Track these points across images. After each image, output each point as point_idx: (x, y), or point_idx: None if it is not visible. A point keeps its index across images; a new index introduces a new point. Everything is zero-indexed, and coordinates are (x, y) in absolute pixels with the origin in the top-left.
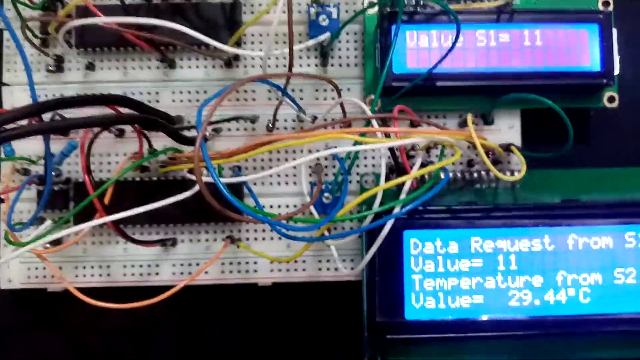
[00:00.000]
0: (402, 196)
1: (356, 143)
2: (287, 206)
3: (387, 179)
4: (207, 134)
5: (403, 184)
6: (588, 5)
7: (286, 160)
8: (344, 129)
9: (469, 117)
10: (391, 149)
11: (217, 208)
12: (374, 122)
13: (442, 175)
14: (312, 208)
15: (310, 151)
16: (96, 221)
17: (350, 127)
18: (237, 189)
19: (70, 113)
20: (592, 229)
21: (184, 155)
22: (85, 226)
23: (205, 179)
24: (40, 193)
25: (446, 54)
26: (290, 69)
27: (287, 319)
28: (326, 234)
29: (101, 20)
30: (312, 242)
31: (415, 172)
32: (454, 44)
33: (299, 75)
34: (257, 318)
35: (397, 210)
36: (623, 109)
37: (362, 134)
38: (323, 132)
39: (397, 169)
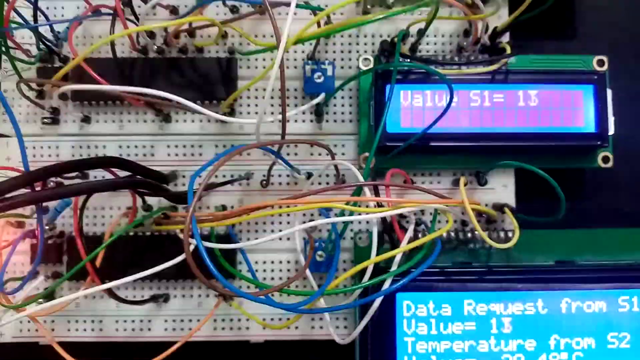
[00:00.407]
0: (394, 268)
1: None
2: (281, 262)
3: (381, 238)
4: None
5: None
6: (583, 64)
7: (280, 223)
8: (335, 198)
9: (462, 182)
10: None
11: (205, 283)
12: (367, 190)
13: (434, 245)
14: (303, 261)
15: (304, 214)
16: (88, 290)
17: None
18: (231, 250)
19: None
20: (586, 294)
21: (178, 214)
22: (77, 295)
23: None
24: (34, 247)
25: (440, 116)
26: (283, 137)
27: None
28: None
29: (95, 87)
30: (303, 313)
31: (406, 245)
32: (447, 107)
33: (295, 141)
34: None
35: (387, 284)
36: (618, 169)
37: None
38: (315, 200)
39: (389, 235)
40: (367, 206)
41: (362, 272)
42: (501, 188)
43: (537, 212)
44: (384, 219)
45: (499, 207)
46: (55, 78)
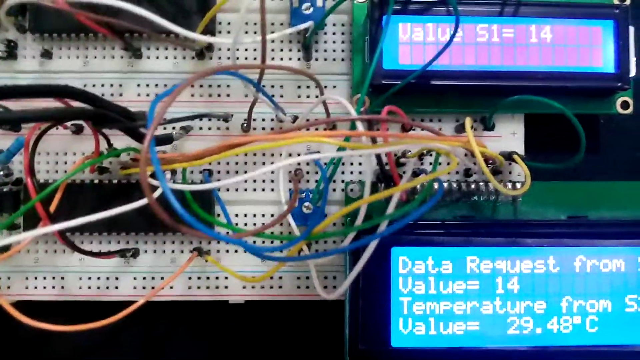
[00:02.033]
0: (390, 211)
1: (340, 148)
2: (263, 215)
3: (375, 188)
4: (174, 132)
5: (391, 196)
6: None
7: (263, 164)
8: (325, 132)
9: (467, 122)
10: (378, 156)
11: (167, 222)
12: (360, 124)
13: (436, 187)
14: (290, 219)
15: (290, 155)
16: (37, 231)
17: (334, 129)
18: (206, 197)
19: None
20: (602, 250)
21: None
22: (27, 236)
23: (173, 185)
24: None
25: (443, 49)
26: (263, 60)
27: (261, 340)
28: (305, 249)
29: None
30: (285, 262)
31: (405, 183)
32: (452, 37)
33: (274, 67)
34: (227, 339)
35: (383, 227)
36: (638, 116)
37: (347, 138)
38: (302, 134)
39: (384, 178)
40: None
41: (354, 220)
42: (509, 135)
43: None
44: (379, 164)
45: (507, 156)
46: None
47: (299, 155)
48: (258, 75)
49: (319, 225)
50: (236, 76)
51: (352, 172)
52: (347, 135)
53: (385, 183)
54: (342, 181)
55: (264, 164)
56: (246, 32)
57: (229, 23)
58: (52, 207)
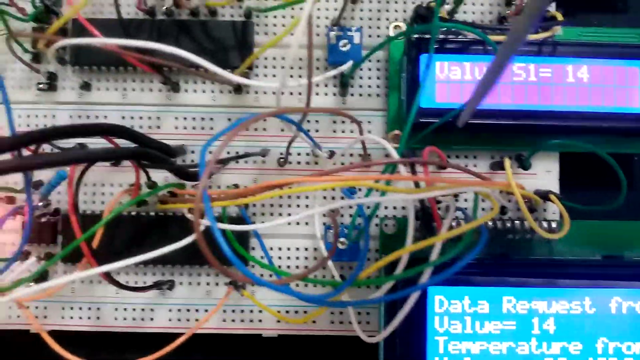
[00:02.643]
0: (432, 258)
1: (382, 192)
2: (297, 249)
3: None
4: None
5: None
6: (638, 38)
7: (298, 197)
8: (368, 176)
9: (507, 164)
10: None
11: (217, 268)
12: (402, 168)
13: (478, 233)
14: (325, 253)
15: (325, 197)
16: (82, 273)
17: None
18: (244, 231)
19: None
20: (638, 292)
21: (186, 192)
22: (71, 278)
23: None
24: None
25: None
26: (308, 104)
27: None
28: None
29: (96, 41)
30: (327, 307)
31: (447, 232)
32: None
33: (319, 110)
34: None
35: (426, 278)
36: None
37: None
38: (344, 178)
39: (424, 216)
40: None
41: (393, 261)
42: (544, 174)
43: (581, 202)
44: (421, 204)
45: (543, 195)
46: (50, 32)
47: (333, 198)
48: (300, 115)
49: (363, 272)
50: (281, 118)
51: (386, 207)
52: (391, 179)
53: (424, 221)
54: (377, 216)
55: (298, 197)
56: (282, 67)
57: (265, 58)
58: (94, 243)
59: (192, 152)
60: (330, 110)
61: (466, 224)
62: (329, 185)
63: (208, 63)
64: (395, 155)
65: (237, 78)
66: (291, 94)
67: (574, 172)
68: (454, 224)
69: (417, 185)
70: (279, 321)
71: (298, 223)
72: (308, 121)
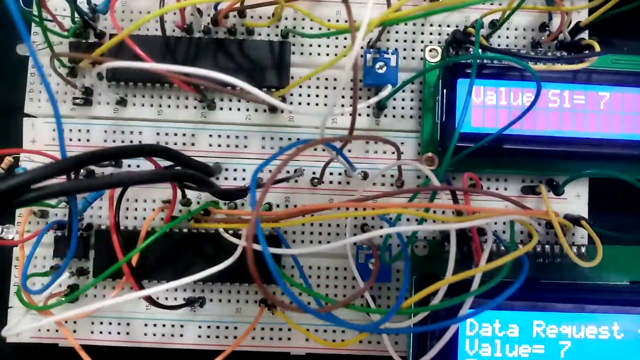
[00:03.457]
0: (474, 287)
1: (421, 220)
2: (328, 268)
3: (442, 247)
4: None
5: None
6: None
7: (341, 218)
8: (409, 204)
9: (543, 191)
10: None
11: (269, 298)
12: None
13: (517, 263)
14: (358, 278)
15: (355, 217)
16: (128, 296)
17: (402, 186)
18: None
19: None
20: None
21: (221, 211)
22: (113, 302)
23: (238, 242)
24: (58, 239)
25: (521, 115)
26: (351, 132)
27: None
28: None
29: (144, 65)
30: (367, 332)
31: (488, 264)
32: (531, 105)
33: (363, 138)
34: None
35: (465, 310)
36: None
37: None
38: (390, 205)
39: (466, 248)
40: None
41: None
42: (574, 198)
43: (609, 227)
44: (463, 235)
45: (574, 220)
46: (95, 54)
47: (364, 218)
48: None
49: (406, 301)
50: (327, 145)
51: (427, 231)
52: (436, 207)
53: (457, 246)
54: (406, 237)
55: (329, 225)
56: (317, 87)
57: (300, 86)
58: (133, 263)
59: (226, 169)
60: (372, 138)
61: (506, 250)
62: (371, 213)
63: (253, 88)
64: (436, 182)
65: (281, 104)
66: (334, 118)
67: (603, 197)
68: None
69: (459, 213)
70: (307, 340)
71: (329, 242)
72: (350, 141)
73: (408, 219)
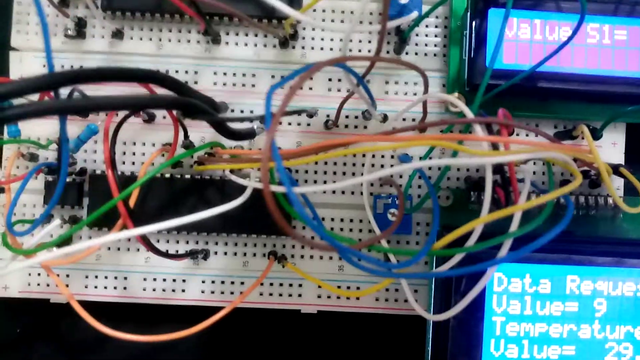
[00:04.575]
0: (513, 228)
1: (454, 153)
2: (342, 220)
3: (467, 195)
4: (256, 127)
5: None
6: None
7: (344, 165)
8: (442, 135)
9: (586, 130)
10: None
11: (291, 234)
12: (477, 127)
13: (564, 202)
14: (374, 224)
15: (373, 165)
16: (119, 234)
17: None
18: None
19: (91, 90)
20: None
21: (230, 151)
22: (106, 240)
23: (248, 183)
24: (49, 184)
25: (558, 49)
26: (378, 52)
27: (333, 355)
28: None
29: None
30: (394, 278)
31: (526, 202)
32: (571, 37)
33: (389, 60)
34: (298, 349)
35: (504, 252)
36: None
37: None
38: (422, 137)
39: (504, 187)
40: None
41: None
42: (609, 145)
43: None
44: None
45: (614, 168)
46: None
47: (382, 166)
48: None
49: (437, 243)
50: (345, 68)
51: (448, 178)
52: (471, 139)
53: (504, 190)
54: (432, 182)
55: (344, 164)
56: (332, 21)
57: (314, 10)
58: (131, 204)
59: (232, 110)
60: (399, 62)
61: (546, 194)
62: (396, 146)
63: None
64: (470, 115)
65: (303, 16)
66: (340, 50)
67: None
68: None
69: (495, 148)
70: (319, 296)
71: (343, 192)
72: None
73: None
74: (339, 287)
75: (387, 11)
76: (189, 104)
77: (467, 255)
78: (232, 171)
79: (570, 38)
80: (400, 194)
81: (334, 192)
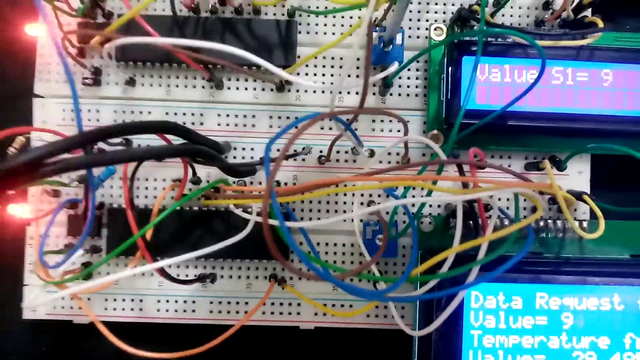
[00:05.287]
0: (480, 256)
1: (429, 192)
2: (335, 244)
3: (447, 222)
4: (257, 165)
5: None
6: None
7: (336, 195)
8: (418, 176)
9: (547, 166)
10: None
11: (287, 266)
12: (447, 166)
13: (524, 234)
14: (364, 251)
15: (362, 194)
16: (143, 268)
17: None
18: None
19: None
20: None
21: (231, 187)
22: (128, 274)
23: (250, 217)
24: (72, 218)
25: (526, 92)
26: (361, 105)
27: None
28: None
29: (153, 40)
30: (375, 300)
31: (494, 233)
32: (536, 81)
33: (370, 111)
34: None
35: (472, 277)
36: None
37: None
38: (399, 177)
39: (473, 221)
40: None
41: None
42: (576, 174)
43: (610, 201)
44: (470, 207)
45: (576, 195)
46: (107, 30)
47: (370, 195)
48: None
49: (415, 269)
50: (336, 120)
51: (424, 204)
52: (443, 179)
53: (463, 220)
54: (413, 213)
55: (336, 203)
56: (324, 66)
57: (306, 65)
58: (148, 238)
59: (235, 148)
60: (381, 112)
61: (511, 224)
62: (381, 185)
63: (262, 60)
64: (443, 156)
65: (289, 76)
66: (330, 92)
67: (605, 173)
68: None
69: (465, 185)
70: (315, 314)
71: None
72: (347, 119)
73: (414, 196)
74: (333, 305)
75: (369, 70)
76: (196, 151)
77: (454, 277)
78: (236, 205)
79: (534, 83)
80: (384, 225)
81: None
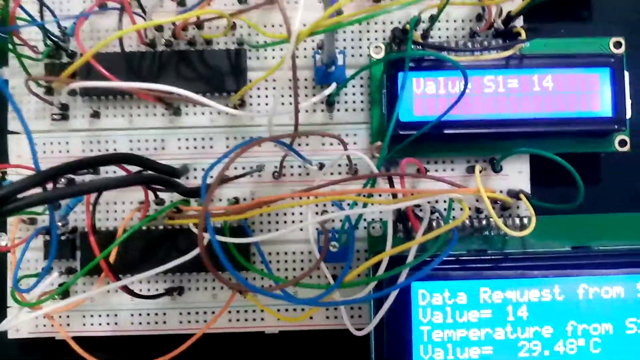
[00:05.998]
0: (409, 259)
1: (364, 204)
2: (294, 252)
3: (395, 226)
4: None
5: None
6: (600, 47)
7: (292, 207)
8: (348, 190)
9: (477, 169)
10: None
11: (222, 281)
12: (380, 180)
13: (451, 235)
14: (317, 255)
15: (317, 205)
16: (103, 288)
17: (355, 173)
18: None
19: None
20: (603, 279)
21: (191, 208)
22: (91, 294)
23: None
24: (47, 243)
25: (454, 103)
26: (295, 129)
27: None
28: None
29: (106, 84)
30: (320, 307)
31: (422, 237)
32: (462, 93)
33: (307, 134)
34: None
35: (403, 278)
36: (635, 152)
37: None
38: (328, 193)
39: (403, 224)
40: (380, 196)
41: (377, 262)
42: (516, 174)
43: (552, 198)
44: (398, 209)
45: (515, 194)
46: (63, 75)
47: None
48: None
49: (348, 275)
50: (277, 142)
51: (372, 212)
52: (371, 192)
53: (403, 224)
54: (364, 219)
55: (293, 214)
56: (274, 88)
57: (258, 88)
58: (111, 259)
59: (195, 169)
60: (316, 133)
61: (441, 226)
62: (318, 200)
63: (208, 100)
64: (375, 170)
65: (234, 112)
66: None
67: (544, 171)
68: (434, 224)
69: (395, 196)
70: (279, 319)
71: (292, 230)
72: (299, 136)
73: (357, 204)
74: (294, 309)
75: (297, 97)
76: (146, 179)
77: (390, 277)
78: (195, 224)
79: (461, 95)
80: (325, 234)
81: (276, 229)
